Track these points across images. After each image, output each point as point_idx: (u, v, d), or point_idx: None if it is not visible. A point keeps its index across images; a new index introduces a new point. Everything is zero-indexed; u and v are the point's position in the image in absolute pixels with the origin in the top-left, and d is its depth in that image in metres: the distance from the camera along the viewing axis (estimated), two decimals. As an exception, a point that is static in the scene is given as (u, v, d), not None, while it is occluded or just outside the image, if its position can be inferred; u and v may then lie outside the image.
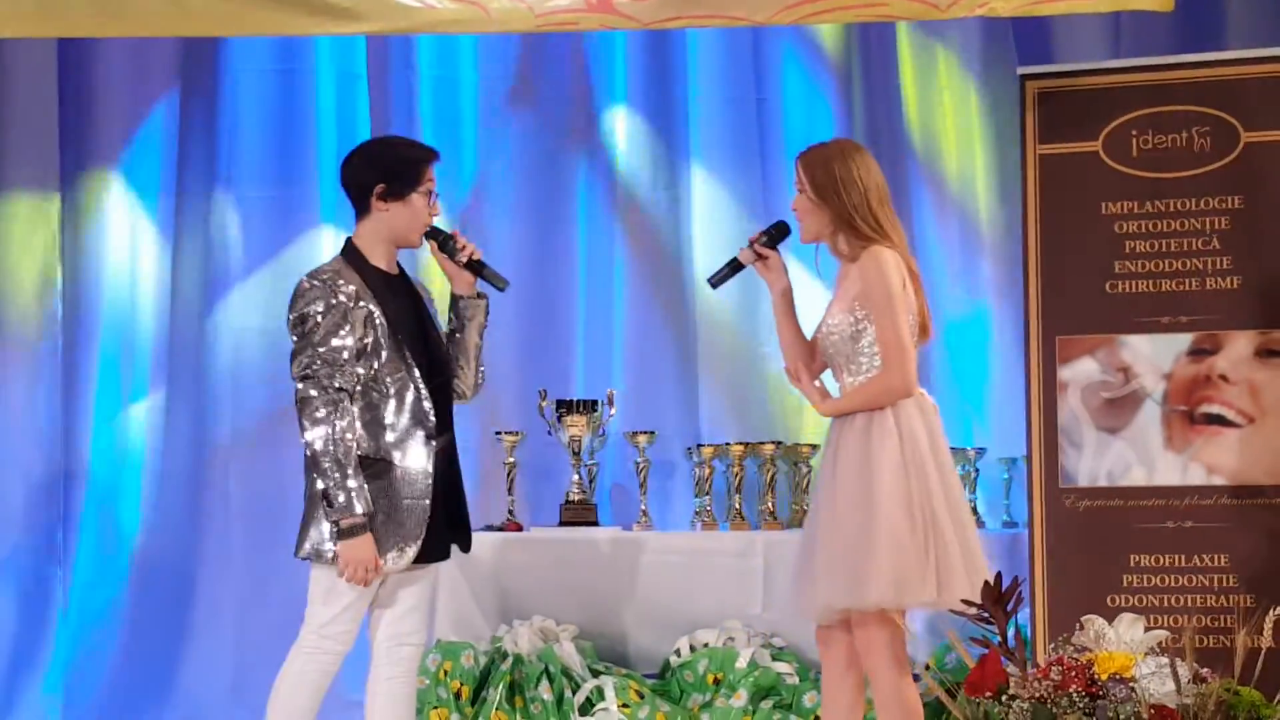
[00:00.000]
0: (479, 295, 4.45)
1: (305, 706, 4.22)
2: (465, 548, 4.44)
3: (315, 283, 4.22)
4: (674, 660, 5.82)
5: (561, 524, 6.09)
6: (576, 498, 6.12)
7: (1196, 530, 5.18)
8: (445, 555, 4.38)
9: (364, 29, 5.57)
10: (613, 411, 6.23)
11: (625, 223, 6.57)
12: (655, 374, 6.51)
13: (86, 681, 6.35)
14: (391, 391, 4.21)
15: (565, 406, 6.15)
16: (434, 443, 4.23)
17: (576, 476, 6.13)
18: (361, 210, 4.35)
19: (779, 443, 6.20)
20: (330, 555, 4.18)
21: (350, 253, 4.31)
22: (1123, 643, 3.30)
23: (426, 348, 4.30)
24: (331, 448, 4.11)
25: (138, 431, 6.47)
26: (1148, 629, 3.34)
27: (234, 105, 6.55)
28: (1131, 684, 3.19)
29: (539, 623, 5.76)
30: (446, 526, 4.31)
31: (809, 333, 4.43)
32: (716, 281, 4.53)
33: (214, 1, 5.28)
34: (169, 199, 6.52)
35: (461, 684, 5.63)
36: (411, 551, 4.19)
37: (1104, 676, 3.20)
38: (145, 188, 6.53)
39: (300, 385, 4.16)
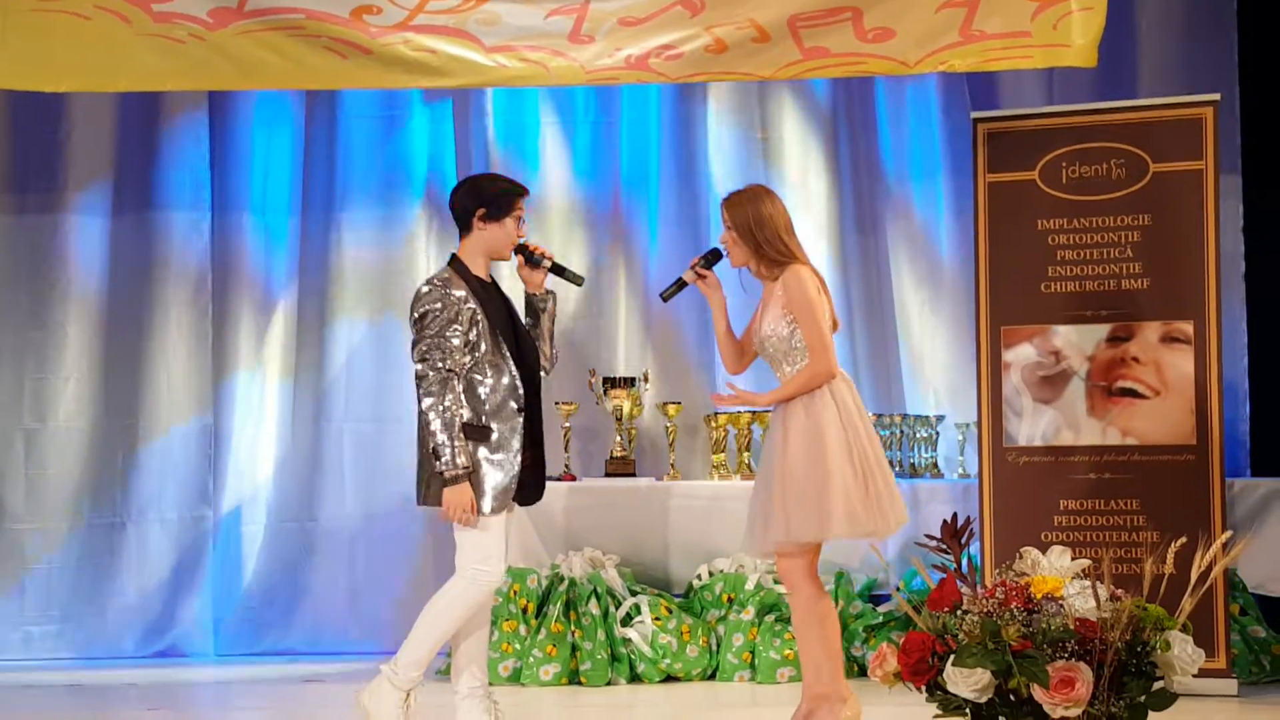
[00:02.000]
0: (548, 292, 4.47)
1: (456, 621, 4.19)
2: (536, 500, 4.42)
3: (432, 287, 4.23)
4: (696, 583, 5.82)
5: (607, 475, 6.10)
6: (619, 454, 6.13)
7: (1113, 480, 5.17)
8: (532, 501, 4.37)
9: (450, 83, 5.58)
10: (648, 387, 6.25)
11: (659, 238, 6.57)
12: (682, 358, 6.50)
13: (232, 599, 6.39)
14: (490, 374, 4.20)
15: (610, 382, 6.16)
16: (523, 414, 4.23)
17: (619, 437, 6.15)
18: (464, 230, 4.32)
19: (779, 411, 6.20)
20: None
21: (456, 263, 4.30)
22: (1054, 569, 3.30)
23: (517, 340, 4.31)
24: (441, 415, 4.11)
25: (273, 402, 6.50)
26: (1074, 559, 3.34)
27: (348, 143, 6.56)
28: (1061, 601, 3.19)
29: (589, 553, 5.75)
30: (533, 479, 4.32)
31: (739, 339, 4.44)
32: (667, 296, 4.50)
33: (332, 62, 5.31)
34: (295, 218, 6.54)
35: (527, 601, 5.64)
36: (506, 501, 4.19)
37: (1039, 596, 3.20)
38: (277, 208, 6.55)
39: (419, 366, 4.16)
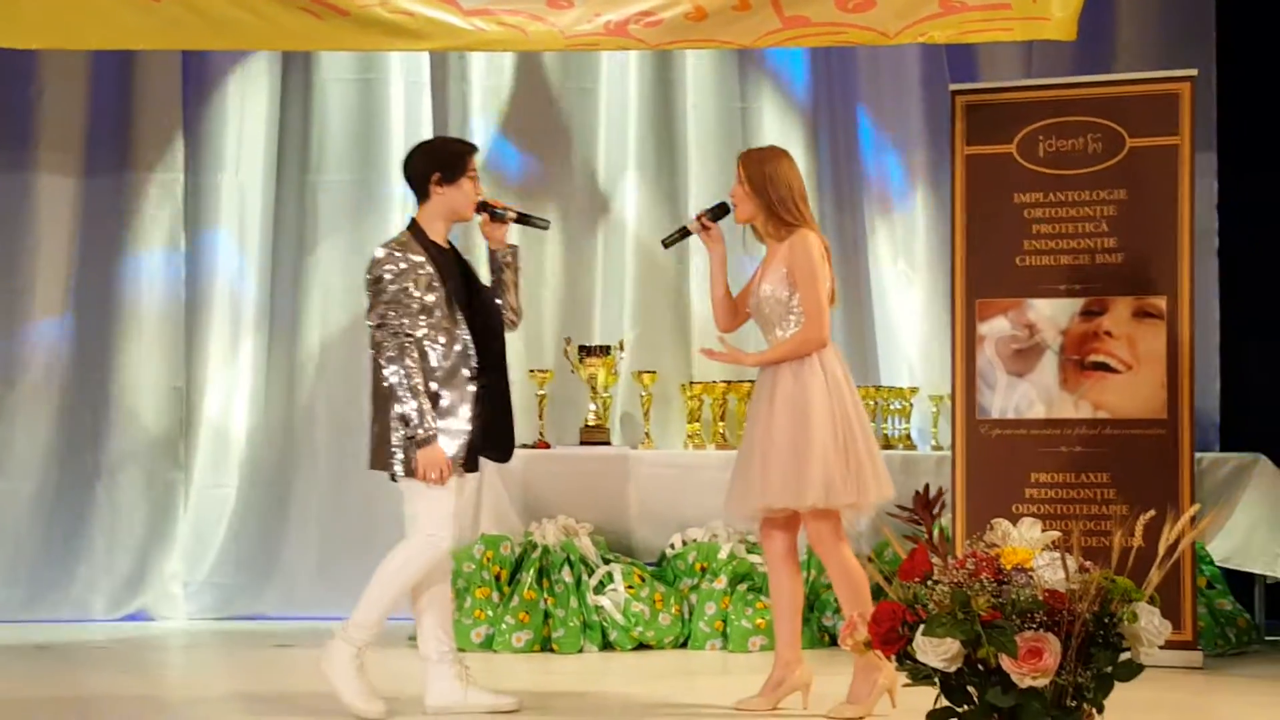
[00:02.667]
0: (510, 245, 4.45)
1: (406, 585, 4.21)
2: (505, 459, 4.41)
3: (389, 250, 4.23)
4: (669, 552, 5.85)
5: (581, 443, 6.11)
6: (594, 422, 6.14)
7: (1084, 454, 5.20)
8: (475, 469, 4.34)
9: (427, 46, 5.55)
10: (623, 355, 6.25)
11: (636, 206, 6.55)
12: (657, 327, 6.51)
13: (203, 563, 6.38)
14: (443, 340, 4.20)
15: (586, 351, 6.16)
16: (475, 381, 4.22)
17: (594, 406, 6.15)
18: (422, 196, 4.31)
19: (754, 381, 6.21)
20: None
21: (414, 228, 4.30)
22: (1024, 541, 3.32)
23: (473, 305, 4.29)
24: (405, 379, 4.12)
25: (244, 365, 6.48)
26: (1044, 531, 3.36)
27: (324, 107, 6.52)
28: (1030, 573, 3.21)
29: (562, 521, 5.77)
30: (484, 446, 4.30)
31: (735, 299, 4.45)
32: (668, 243, 4.52)
33: (308, 23, 5.26)
34: (270, 182, 6.50)
35: (500, 568, 5.65)
36: (458, 463, 4.19)
37: (1009, 567, 3.22)
38: (251, 171, 6.51)
39: (376, 332, 4.17)
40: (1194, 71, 5.25)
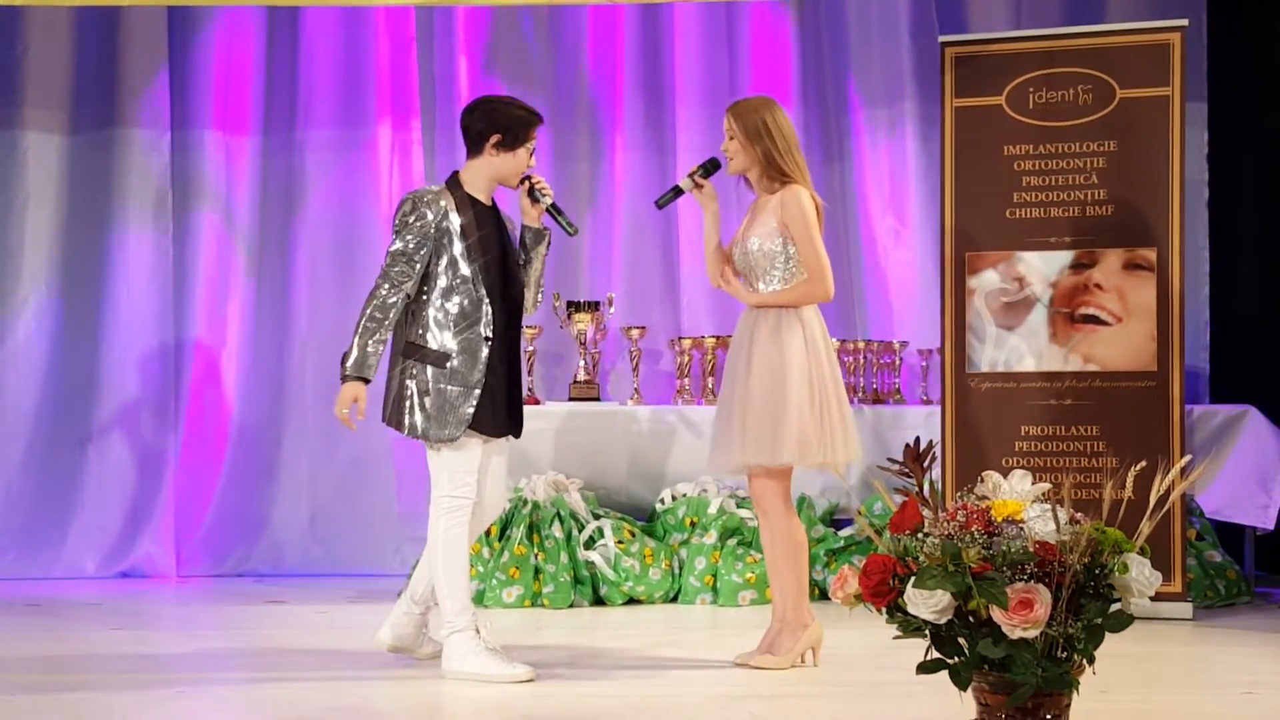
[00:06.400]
0: (544, 229, 4.29)
1: (457, 553, 4.09)
2: (516, 435, 4.26)
3: (414, 199, 4.12)
4: (659, 507, 5.83)
5: (571, 399, 6.08)
6: (583, 378, 6.11)
7: (1074, 406, 5.18)
8: (504, 434, 4.20)
9: (412, 0, 5.47)
10: (612, 310, 6.20)
11: (624, 161, 6.49)
12: (647, 282, 6.48)
13: (193, 522, 6.36)
14: (461, 298, 4.08)
15: (575, 306, 6.12)
16: (490, 343, 4.10)
17: (583, 361, 6.12)
18: (474, 152, 4.16)
19: (743, 336, 6.19)
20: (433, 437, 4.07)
21: (452, 182, 4.17)
22: (1014, 493, 3.29)
23: (503, 266, 4.16)
24: (373, 315, 4.03)
25: (233, 322, 6.44)
26: (1034, 483, 3.33)
27: (310, 63, 6.45)
28: (1021, 525, 3.19)
29: (552, 476, 5.74)
30: (506, 411, 4.18)
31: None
32: (662, 204, 4.43)
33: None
34: (256, 137, 6.45)
35: (491, 524, 5.63)
36: (463, 429, 4.06)
37: (999, 519, 3.19)
38: (237, 128, 6.45)
39: (379, 274, 4.09)
40: (1184, 22, 5.20)
